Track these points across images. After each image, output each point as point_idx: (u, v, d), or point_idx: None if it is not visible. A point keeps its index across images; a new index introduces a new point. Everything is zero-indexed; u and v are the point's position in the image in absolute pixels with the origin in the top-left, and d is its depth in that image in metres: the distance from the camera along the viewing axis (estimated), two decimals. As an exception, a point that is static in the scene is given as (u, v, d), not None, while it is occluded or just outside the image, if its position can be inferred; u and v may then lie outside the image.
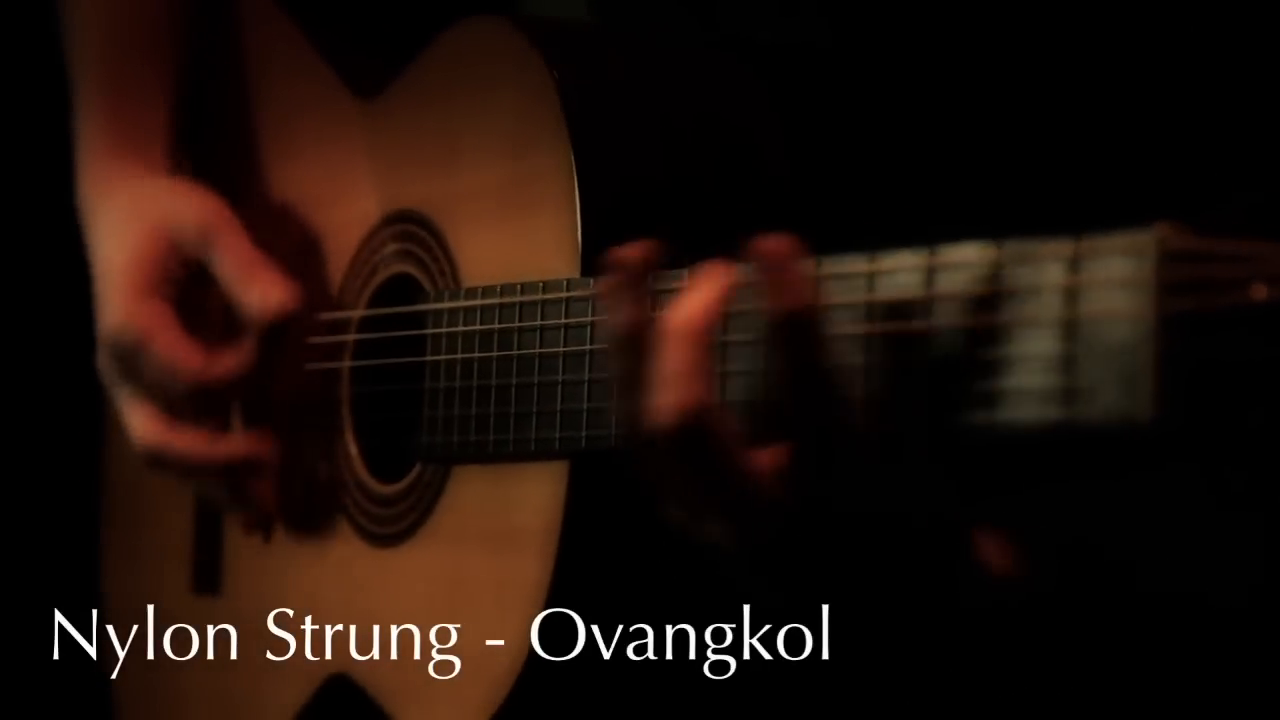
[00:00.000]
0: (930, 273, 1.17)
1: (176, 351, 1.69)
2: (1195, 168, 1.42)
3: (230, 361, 1.69)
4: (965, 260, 1.16)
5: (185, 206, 1.74)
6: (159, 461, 1.72)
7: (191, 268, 1.72)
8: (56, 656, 2.10)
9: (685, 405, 1.23)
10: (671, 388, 1.23)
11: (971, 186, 1.48)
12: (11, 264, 2.28)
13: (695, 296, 1.26)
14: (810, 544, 1.26)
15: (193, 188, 1.78)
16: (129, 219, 1.75)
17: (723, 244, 1.34)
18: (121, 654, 1.96)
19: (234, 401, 1.73)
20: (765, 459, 1.25)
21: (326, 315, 1.72)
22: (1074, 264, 1.10)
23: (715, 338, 1.25)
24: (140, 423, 1.72)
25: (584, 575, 1.48)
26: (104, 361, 1.73)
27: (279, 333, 1.68)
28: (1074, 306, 1.10)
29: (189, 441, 1.71)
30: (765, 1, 1.60)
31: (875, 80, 1.56)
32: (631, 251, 1.27)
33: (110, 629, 1.98)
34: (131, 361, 1.71)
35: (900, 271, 1.19)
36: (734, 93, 1.56)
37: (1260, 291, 1.03)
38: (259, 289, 1.68)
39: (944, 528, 1.31)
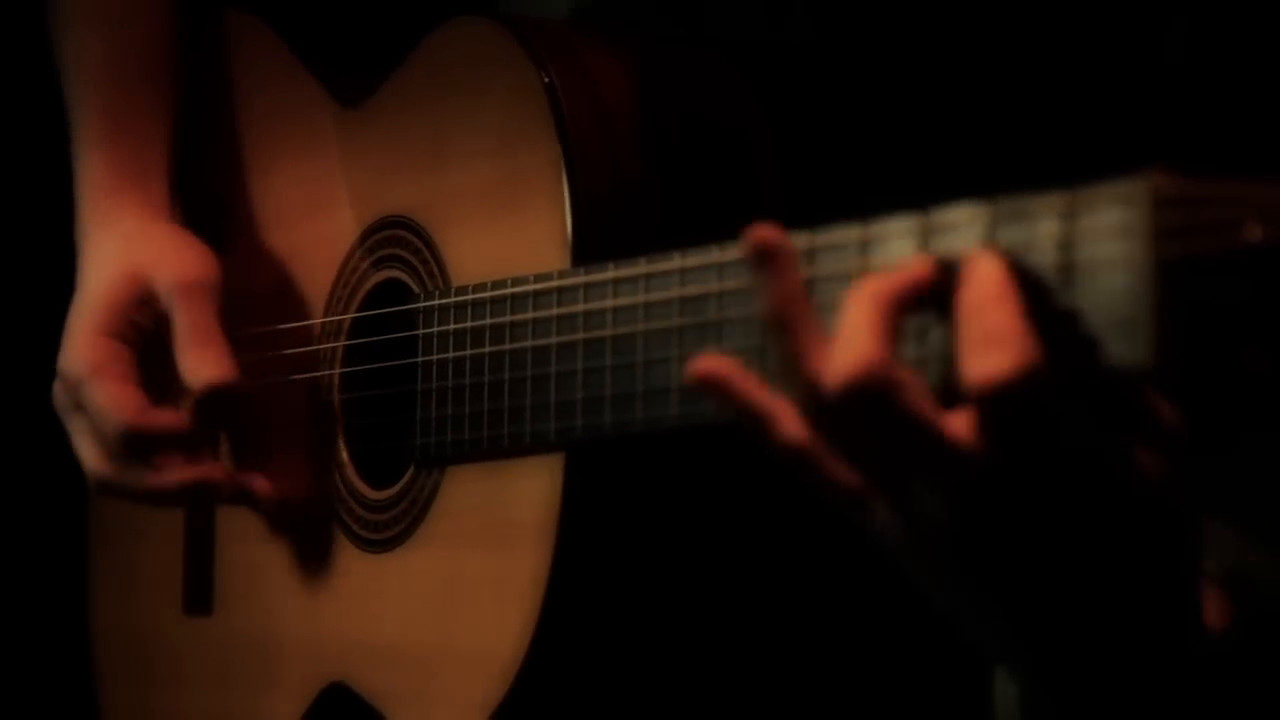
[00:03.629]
0: (924, 236, 1.18)
1: (114, 394, 1.71)
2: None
3: (164, 419, 1.70)
4: (958, 221, 1.16)
5: (168, 260, 1.74)
6: (107, 490, 1.74)
7: (159, 321, 1.73)
8: (47, 679, 2.10)
9: (862, 360, 1.13)
10: (848, 345, 1.14)
11: (961, 182, 1.49)
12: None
13: (899, 272, 1.17)
14: (1019, 504, 1.14)
15: (185, 241, 1.77)
16: (114, 259, 1.76)
17: (712, 238, 1.35)
18: (113, 677, 1.96)
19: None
20: (958, 418, 1.14)
21: (316, 323, 1.72)
22: (1068, 216, 1.11)
23: (902, 315, 1.16)
24: (88, 454, 1.74)
25: (583, 569, 1.48)
26: (56, 390, 1.76)
27: (213, 404, 1.68)
28: (1070, 258, 1.10)
29: (134, 475, 1.72)
30: (750, 1, 1.61)
31: (862, 77, 1.57)
32: (769, 233, 1.19)
33: (101, 652, 1.97)
34: (76, 395, 1.73)
35: (893, 238, 1.20)
36: (720, 90, 1.57)
37: (1254, 231, 1.04)
38: (196, 357, 1.68)
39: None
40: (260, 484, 1.73)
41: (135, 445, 1.70)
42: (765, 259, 1.18)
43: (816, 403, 1.16)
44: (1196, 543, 1.19)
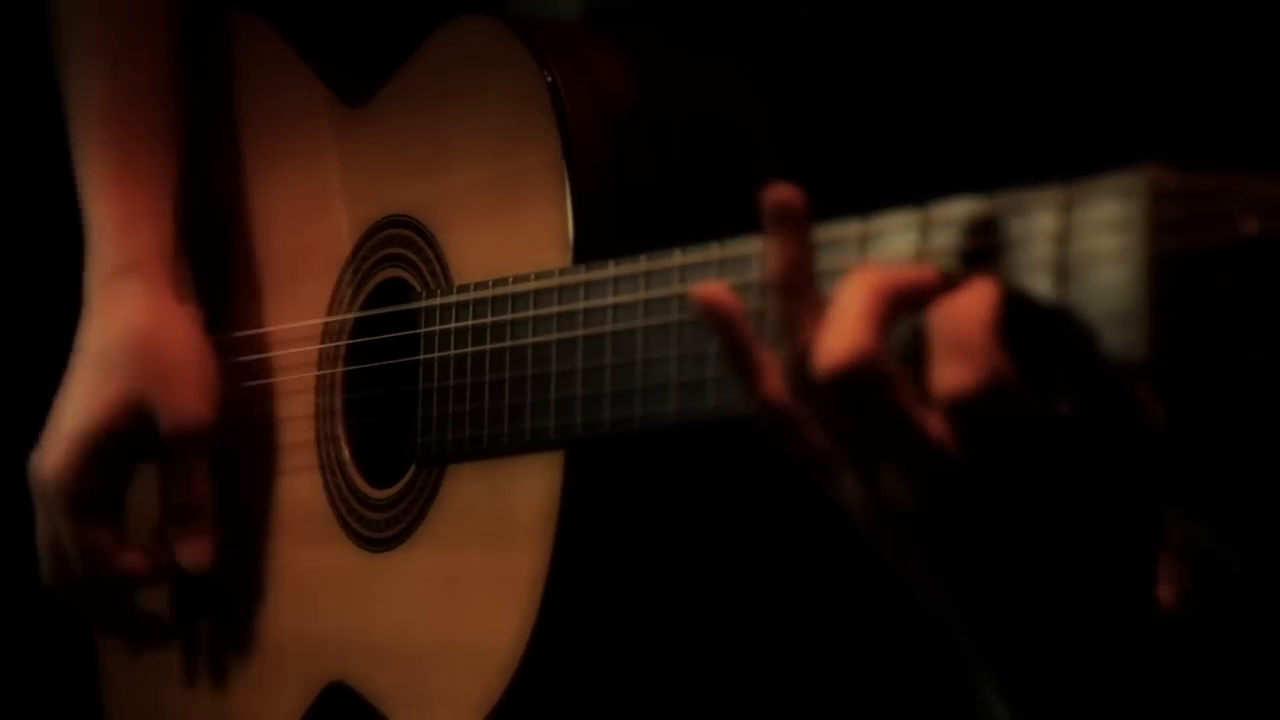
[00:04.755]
0: (923, 231, 1.18)
1: (88, 541, 1.75)
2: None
3: (130, 564, 1.77)
4: (957, 216, 1.17)
5: (174, 392, 1.74)
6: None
7: (147, 438, 1.75)
8: (52, 680, 2.10)
9: (854, 349, 1.13)
10: (841, 331, 1.14)
11: (965, 181, 1.49)
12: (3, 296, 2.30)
13: (901, 269, 1.17)
14: (988, 499, 1.15)
15: (193, 358, 1.77)
16: (116, 362, 1.76)
17: (714, 238, 1.35)
18: (118, 677, 1.96)
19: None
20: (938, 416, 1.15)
21: (320, 322, 1.73)
22: (1065, 209, 1.11)
23: (897, 310, 1.15)
24: (49, 562, 1.80)
25: (583, 565, 1.48)
26: (33, 479, 1.79)
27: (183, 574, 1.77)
28: (1066, 251, 1.11)
29: (88, 602, 1.81)
30: (761, 1, 1.61)
31: (866, 76, 1.57)
32: (789, 194, 1.20)
33: (105, 652, 1.97)
34: (46, 504, 1.77)
35: (893, 232, 1.20)
36: (724, 89, 1.57)
37: (1250, 224, 1.04)
38: (185, 540, 1.76)
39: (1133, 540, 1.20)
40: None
41: (100, 587, 1.77)
42: (782, 218, 1.19)
43: (803, 374, 1.17)
44: (1159, 528, 1.21)
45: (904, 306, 1.16)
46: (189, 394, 1.75)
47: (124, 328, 1.77)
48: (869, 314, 1.14)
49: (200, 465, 1.76)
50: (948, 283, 1.15)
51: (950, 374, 1.12)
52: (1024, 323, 1.12)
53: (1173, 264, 1.06)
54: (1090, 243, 1.09)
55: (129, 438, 1.75)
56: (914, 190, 1.24)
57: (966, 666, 1.41)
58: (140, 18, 1.84)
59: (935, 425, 1.14)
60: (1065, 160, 1.45)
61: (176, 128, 1.84)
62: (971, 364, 1.11)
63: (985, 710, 1.31)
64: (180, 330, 1.78)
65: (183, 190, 1.83)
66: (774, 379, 1.20)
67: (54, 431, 1.77)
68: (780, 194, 1.20)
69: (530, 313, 1.49)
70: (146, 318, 1.77)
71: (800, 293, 1.18)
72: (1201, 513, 1.34)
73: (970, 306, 1.13)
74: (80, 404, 1.76)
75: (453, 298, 1.56)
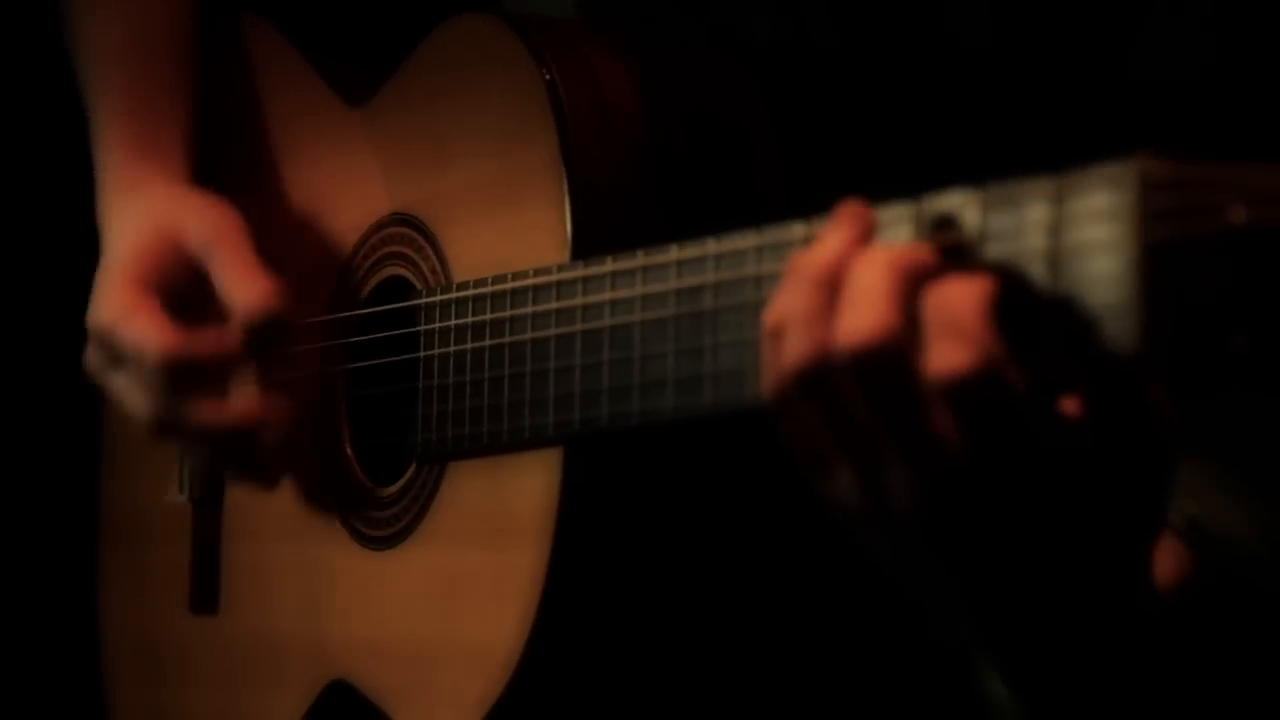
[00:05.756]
0: (919, 222, 1.19)
1: (148, 325, 1.64)
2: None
3: (205, 344, 1.63)
4: (951, 207, 1.17)
5: (196, 212, 1.71)
6: (167, 431, 1.67)
7: (193, 272, 1.69)
8: (55, 680, 2.10)
9: (880, 325, 1.13)
10: (869, 309, 1.14)
11: (965, 178, 1.49)
12: (5, 292, 2.30)
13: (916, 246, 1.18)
14: (987, 497, 1.15)
15: (208, 197, 1.75)
16: (140, 220, 1.73)
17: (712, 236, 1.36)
18: (122, 677, 1.96)
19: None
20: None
21: (321, 321, 1.73)
22: (1057, 200, 1.11)
23: (916, 286, 1.15)
24: (136, 400, 1.67)
25: (582, 563, 1.48)
26: (90, 352, 1.69)
27: (264, 334, 1.63)
28: (1057, 241, 1.11)
29: (191, 409, 1.65)
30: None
31: (868, 75, 1.57)
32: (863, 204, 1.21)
33: (110, 652, 1.98)
34: (110, 344, 1.67)
35: (889, 225, 1.21)
36: (724, 87, 1.57)
37: (1239, 214, 1.04)
38: (246, 288, 1.63)
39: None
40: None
41: (179, 376, 1.63)
42: (853, 216, 1.20)
43: (821, 363, 1.17)
44: (1160, 518, 1.21)
45: (919, 285, 1.16)
46: (212, 210, 1.71)
47: (143, 200, 1.75)
48: (892, 292, 1.15)
49: (242, 243, 1.67)
50: (945, 268, 1.16)
51: (945, 355, 1.12)
52: (1018, 312, 1.13)
53: (1164, 254, 1.06)
54: (1082, 233, 1.10)
55: (166, 256, 1.69)
56: (912, 185, 1.25)
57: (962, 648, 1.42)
58: None
59: (940, 417, 1.14)
60: (1061, 155, 1.45)
61: (191, 86, 1.84)
62: (965, 346, 1.11)
63: (986, 689, 1.31)
64: (198, 189, 1.76)
65: (196, 137, 1.82)
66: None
67: (96, 292, 1.70)
68: (856, 201, 1.21)
69: (529, 309, 1.49)
70: (163, 188, 1.75)
71: (832, 287, 1.18)
72: (1219, 474, 1.34)
73: (965, 291, 1.13)
74: (115, 257, 1.71)
75: (452, 295, 1.57)
